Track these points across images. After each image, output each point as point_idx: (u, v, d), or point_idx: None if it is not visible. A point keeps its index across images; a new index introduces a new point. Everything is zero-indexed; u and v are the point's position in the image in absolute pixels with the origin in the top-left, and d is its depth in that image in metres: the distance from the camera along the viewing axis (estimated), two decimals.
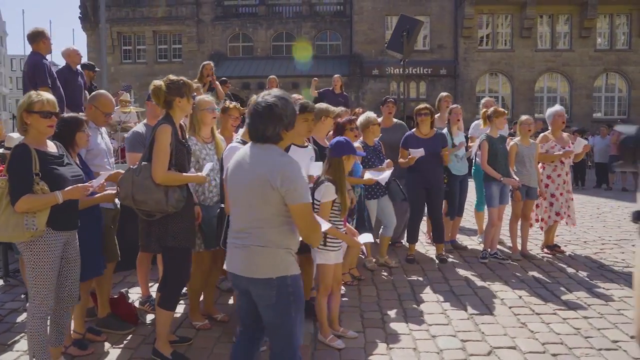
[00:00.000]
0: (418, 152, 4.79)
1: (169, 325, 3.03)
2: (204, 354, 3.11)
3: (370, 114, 4.79)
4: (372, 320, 3.65)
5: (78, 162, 2.96)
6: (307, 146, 3.60)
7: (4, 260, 4.53)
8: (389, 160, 4.58)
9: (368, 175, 4.21)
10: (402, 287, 4.41)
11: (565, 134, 5.54)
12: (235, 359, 2.28)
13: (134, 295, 4.12)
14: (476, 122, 6.12)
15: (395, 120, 5.57)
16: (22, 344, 3.17)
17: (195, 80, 5.81)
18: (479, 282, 4.52)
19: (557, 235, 5.88)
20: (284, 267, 2.06)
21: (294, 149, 3.48)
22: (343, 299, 3.92)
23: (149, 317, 3.63)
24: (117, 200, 3.24)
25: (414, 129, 5.17)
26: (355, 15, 23.68)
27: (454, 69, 23.43)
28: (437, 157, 5.01)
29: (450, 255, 5.37)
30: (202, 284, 3.54)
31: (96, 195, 2.89)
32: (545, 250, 5.59)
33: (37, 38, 4.93)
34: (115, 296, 3.63)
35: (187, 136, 3.18)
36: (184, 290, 3.84)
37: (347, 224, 3.44)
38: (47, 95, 2.60)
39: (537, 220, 5.56)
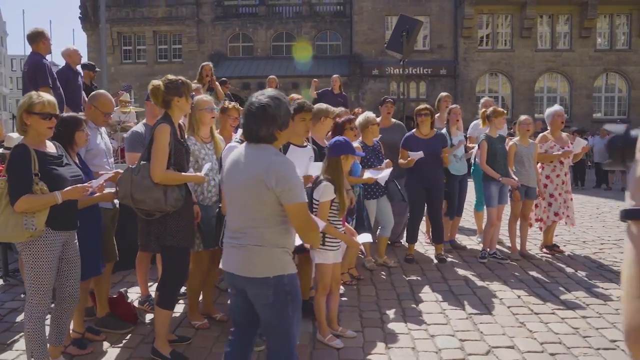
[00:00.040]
0: (417, 155, 4.80)
1: (167, 325, 3.04)
2: (202, 353, 3.12)
3: (369, 114, 4.79)
4: (370, 320, 3.66)
5: (77, 161, 2.97)
6: (306, 146, 3.60)
7: (3, 260, 4.54)
8: (388, 160, 4.59)
9: (367, 174, 4.22)
10: (401, 286, 4.41)
11: (564, 134, 5.54)
12: (229, 359, 2.28)
13: (134, 294, 4.13)
14: (475, 122, 6.13)
15: (393, 120, 5.57)
16: (22, 343, 3.17)
17: (195, 81, 5.82)
18: (478, 282, 4.53)
19: (556, 235, 5.88)
20: (280, 266, 2.07)
21: (293, 149, 3.49)
22: (342, 298, 3.93)
23: (148, 317, 3.64)
24: (116, 200, 3.25)
25: (414, 130, 5.17)
26: (355, 16, 23.69)
27: (454, 69, 23.44)
28: (438, 158, 5.02)
29: (450, 255, 5.38)
30: (201, 283, 3.54)
31: (95, 195, 2.90)
32: (544, 250, 5.60)
33: (37, 38, 4.94)
34: (115, 296, 3.64)
35: (185, 136, 3.19)
36: (183, 289, 3.86)
37: (346, 223, 3.45)
38: (48, 97, 2.61)
39: (536, 221, 5.56)
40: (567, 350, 3.16)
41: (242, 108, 4.46)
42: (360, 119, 4.74)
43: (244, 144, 2.19)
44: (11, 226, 2.46)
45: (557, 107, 5.53)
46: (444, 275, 4.75)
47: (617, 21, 23.48)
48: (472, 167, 5.90)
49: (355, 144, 4.05)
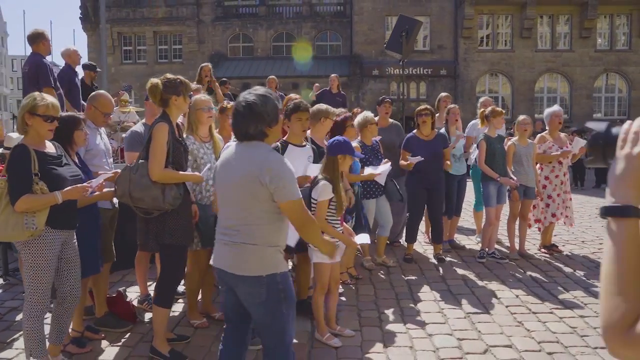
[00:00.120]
0: (416, 159, 4.82)
1: (165, 323, 3.05)
2: (201, 352, 3.13)
3: (368, 114, 4.81)
4: (369, 319, 3.67)
5: (77, 161, 2.99)
6: (305, 145, 3.62)
7: (3, 259, 4.55)
8: (386, 160, 4.60)
9: (368, 170, 4.24)
10: (400, 286, 4.43)
11: (562, 134, 5.55)
12: (224, 356, 2.29)
13: (133, 294, 4.14)
14: (473, 122, 6.14)
15: (391, 120, 5.58)
16: (21, 342, 3.18)
17: (194, 82, 5.84)
18: (476, 282, 4.54)
19: (555, 235, 5.89)
20: (273, 264, 2.08)
21: (292, 148, 3.51)
22: (340, 297, 3.94)
23: (147, 316, 3.65)
24: (115, 200, 3.27)
25: (415, 131, 5.18)
26: (356, 16, 23.70)
27: (454, 69, 23.45)
28: (439, 158, 5.03)
29: (448, 255, 5.39)
30: (199, 282, 3.56)
31: (95, 194, 2.91)
32: (543, 250, 5.61)
33: (38, 39, 4.96)
34: (113, 295, 3.66)
35: (184, 135, 3.20)
36: (183, 289, 3.87)
37: (345, 223, 3.46)
38: (51, 99, 2.63)
39: (535, 222, 5.57)
40: (564, 350, 3.17)
41: None
42: (358, 118, 4.75)
43: (235, 142, 2.21)
44: (11, 225, 2.48)
45: (555, 108, 5.54)
46: (443, 274, 4.77)
47: (617, 21, 23.48)
48: (471, 168, 5.91)
49: (354, 143, 4.06)
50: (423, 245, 5.86)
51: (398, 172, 5.11)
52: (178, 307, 3.86)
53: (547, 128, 5.55)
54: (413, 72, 22.38)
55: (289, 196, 2.02)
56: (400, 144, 5.39)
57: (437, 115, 5.55)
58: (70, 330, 3.11)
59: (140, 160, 2.83)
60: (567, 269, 4.95)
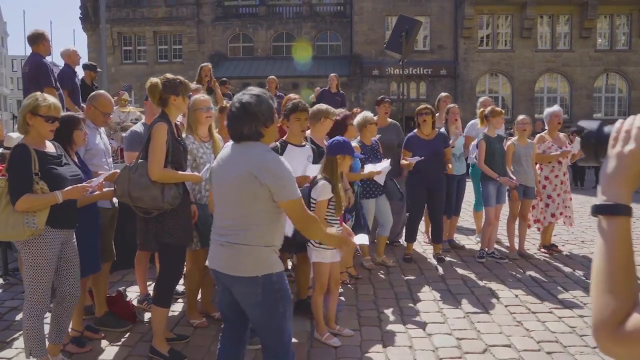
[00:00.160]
0: (415, 159, 4.83)
1: (164, 323, 3.05)
2: (201, 351, 3.14)
3: (367, 114, 4.81)
4: (368, 319, 3.67)
5: (76, 160, 2.99)
6: (304, 145, 3.62)
7: (3, 259, 4.56)
8: (386, 159, 4.61)
9: (368, 168, 4.25)
10: (399, 286, 4.43)
11: (561, 134, 5.56)
12: (222, 355, 2.30)
13: (133, 293, 4.15)
14: (472, 121, 6.15)
15: (390, 120, 5.59)
16: (21, 341, 3.18)
17: (194, 82, 5.85)
18: (475, 282, 4.54)
19: (555, 235, 5.90)
20: (269, 265, 2.08)
21: (291, 148, 3.52)
22: (340, 297, 3.94)
23: (147, 315, 3.65)
24: (115, 200, 3.27)
25: (415, 130, 5.18)
26: (356, 16, 23.71)
27: (454, 69, 23.45)
28: (439, 158, 5.03)
29: (448, 255, 5.39)
30: (199, 282, 3.56)
31: (95, 193, 2.92)
32: (543, 250, 5.61)
33: (38, 40, 4.98)
34: (113, 294, 3.66)
35: (183, 135, 3.21)
36: (182, 289, 3.88)
37: (344, 223, 3.46)
38: (53, 100, 2.64)
39: (534, 222, 5.57)
40: (563, 349, 3.18)
41: None
42: (358, 118, 4.75)
43: (231, 142, 2.21)
44: (11, 225, 2.49)
45: (555, 108, 5.54)
46: (442, 274, 4.77)
47: (617, 21, 23.48)
48: (470, 167, 5.91)
49: (354, 143, 4.07)
50: (422, 245, 5.86)
51: (396, 171, 5.11)
52: (177, 307, 3.87)
53: (546, 128, 5.55)
54: (413, 72, 22.39)
55: (289, 196, 2.03)
56: (399, 143, 5.40)
57: (437, 115, 5.55)
58: (70, 329, 3.12)
59: (140, 160, 2.84)
60: (567, 269, 4.95)
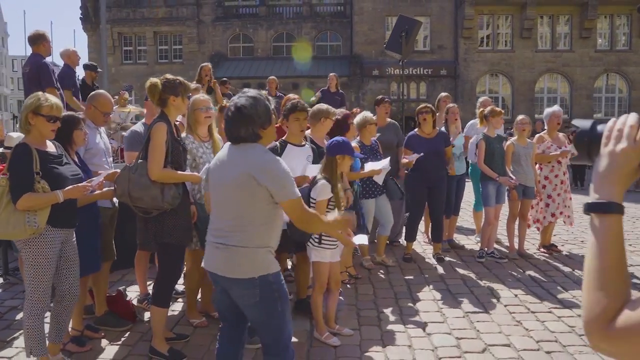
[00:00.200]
0: (415, 157, 4.83)
1: (164, 323, 3.06)
2: (200, 350, 3.14)
3: (367, 114, 4.82)
4: (368, 318, 3.68)
5: (76, 160, 3.00)
6: (304, 145, 3.63)
7: (3, 259, 4.57)
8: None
9: (368, 166, 4.26)
10: (399, 285, 4.43)
11: (560, 134, 5.56)
12: (221, 354, 2.30)
13: (132, 293, 4.15)
14: (472, 121, 6.16)
15: (388, 119, 5.60)
16: (21, 341, 3.19)
17: (194, 82, 5.86)
18: (475, 281, 4.55)
19: (554, 235, 5.90)
20: (265, 266, 2.09)
21: (290, 148, 3.52)
22: (339, 297, 3.94)
23: (147, 315, 3.66)
24: (115, 199, 3.28)
25: (416, 129, 5.19)
26: (356, 16, 23.72)
27: (454, 69, 23.46)
28: (440, 157, 5.03)
29: (447, 255, 5.39)
30: (198, 282, 3.57)
31: (95, 192, 2.93)
32: (542, 249, 5.62)
33: (38, 40, 5.00)
34: (113, 294, 3.67)
35: (183, 134, 3.22)
36: (182, 288, 3.88)
37: None
38: (55, 100, 2.65)
39: (534, 222, 5.57)
40: (562, 349, 3.18)
41: None
42: (357, 118, 4.76)
43: (228, 143, 2.21)
44: (12, 224, 2.50)
45: (555, 108, 5.55)
46: (442, 274, 4.77)
47: (617, 22, 23.49)
48: (470, 167, 5.92)
49: (353, 143, 4.07)
50: (422, 245, 5.87)
51: (395, 171, 5.12)
52: (177, 307, 3.87)
53: (545, 128, 5.56)
54: (413, 72, 22.40)
55: (288, 196, 2.04)
56: (398, 143, 5.41)
57: (437, 114, 5.56)
58: (70, 329, 3.13)
59: (140, 160, 2.85)
60: (566, 269, 4.95)
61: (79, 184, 2.63)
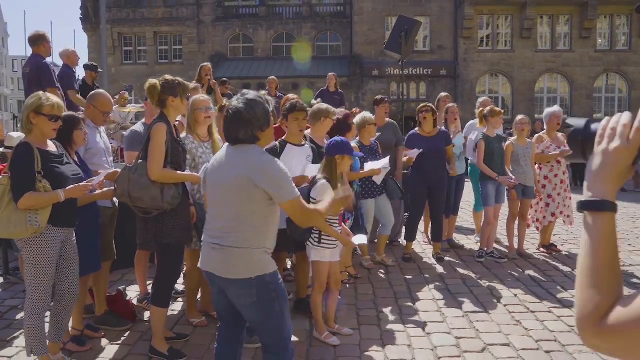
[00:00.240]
0: (414, 153, 4.84)
1: (163, 323, 3.07)
2: (200, 350, 3.15)
3: (367, 115, 4.82)
4: (368, 318, 3.68)
5: (77, 160, 3.01)
6: (304, 145, 3.63)
7: (4, 258, 4.57)
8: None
9: (368, 166, 4.26)
10: (399, 285, 4.44)
11: (560, 134, 5.57)
12: (220, 354, 2.31)
13: (132, 292, 4.16)
14: (471, 122, 6.17)
15: (387, 119, 5.60)
16: (22, 340, 3.21)
17: (194, 82, 5.87)
18: (475, 281, 4.55)
19: (554, 235, 5.90)
20: (261, 266, 2.09)
21: (290, 148, 3.53)
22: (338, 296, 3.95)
23: (147, 314, 3.67)
24: (115, 199, 3.29)
25: (417, 128, 5.21)
26: (356, 16, 23.73)
27: (454, 69, 23.47)
28: (441, 156, 5.04)
29: (447, 255, 5.40)
30: (198, 281, 3.57)
31: (95, 192, 2.93)
32: (542, 249, 5.62)
33: (39, 41, 5.02)
34: (113, 294, 3.68)
35: (183, 135, 3.22)
36: (182, 288, 3.89)
37: (343, 223, 3.47)
38: (56, 99, 2.67)
39: (534, 221, 5.57)
40: (562, 348, 3.19)
41: None
42: (357, 119, 4.76)
43: (226, 144, 2.22)
44: (14, 222, 2.51)
45: (555, 108, 5.57)
46: (442, 274, 4.78)
47: (617, 22, 23.49)
48: (469, 168, 5.92)
49: (353, 143, 4.08)
50: (422, 245, 5.87)
51: (394, 171, 5.13)
52: (177, 306, 3.88)
53: (544, 128, 5.57)
54: (413, 73, 22.40)
55: (287, 196, 2.05)
56: (397, 142, 5.42)
57: (437, 114, 5.57)
58: (70, 328, 3.14)
59: (139, 161, 2.86)
60: (566, 268, 4.96)
61: (80, 184, 2.64)
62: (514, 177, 5.09)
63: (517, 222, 5.39)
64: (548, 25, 23.59)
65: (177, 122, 3.29)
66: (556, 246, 5.65)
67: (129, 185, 2.79)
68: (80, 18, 25.25)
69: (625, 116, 0.80)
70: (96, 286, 3.45)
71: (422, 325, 3.55)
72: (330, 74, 7.98)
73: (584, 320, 0.75)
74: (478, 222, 6.12)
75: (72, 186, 2.60)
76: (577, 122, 0.86)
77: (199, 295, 3.74)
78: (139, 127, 3.91)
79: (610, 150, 0.79)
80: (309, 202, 3.08)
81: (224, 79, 8.53)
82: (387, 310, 3.83)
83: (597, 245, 0.77)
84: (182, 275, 3.54)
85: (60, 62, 6.08)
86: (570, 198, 5.57)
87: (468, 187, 6.12)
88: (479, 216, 6.07)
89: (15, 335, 3.35)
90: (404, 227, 5.72)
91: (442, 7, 23.40)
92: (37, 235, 2.56)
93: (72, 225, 2.76)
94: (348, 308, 3.88)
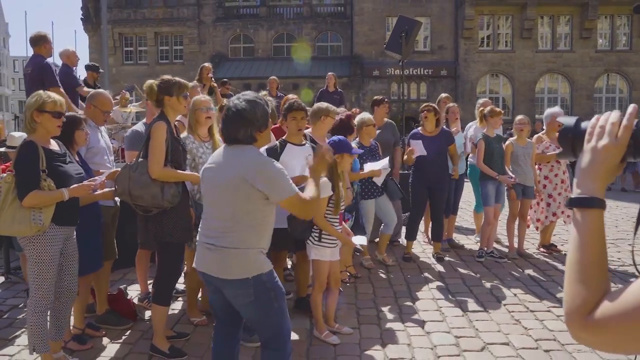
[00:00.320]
0: (416, 144, 4.84)
1: (164, 321, 3.08)
2: (201, 349, 3.16)
3: (366, 115, 4.83)
4: (367, 317, 3.69)
5: (78, 159, 3.03)
6: (304, 144, 3.65)
7: (5, 258, 4.59)
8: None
9: (368, 167, 4.27)
10: (398, 284, 4.45)
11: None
12: (217, 352, 2.32)
13: (133, 292, 4.17)
14: (470, 123, 6.19)
15: (385, 119, 5.61)
16: (23, 339, 3.23)
17: (194, 81, 5.88)
18: (474, 281, 4.56)
19: (554, 235, 5.91)
20: (257, 266, 2.10)
21: (290, 147, 3.54)
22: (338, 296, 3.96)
23: (147, 314, 3.68)
24: (117, 198, 3.30)
25: (419, 128, 5.22)
26: (356, 17, 23.75)
27: (455, 69, 23.47)
28: (442, 156, 5.05)
29: (447, 254, 5.41)
30: (199, 281, 3.57)
31: (96, 192, 2.95)
32: (542, 249, 5.63)
33: (40, 42, 5.04)
34: (114, 293, 3.69)
35: (184, 134, 3.24)
36: (183, 287, 3.90)
37: (344, 223, 3.48)
38: (57, 96, 2.69)
39: (535, 221, 5.57)
40: (561, 347, 3.20)
41: None
42: (356, 120, 4.77)
43: (223, 145, 2.22)
44: (18, 220, 2.52)
45: (556, 109, 5.58)
46: (441, 273, 4.79)
47: (617, 22, 23.50)
48: (469, 168, 5.93)
49: (353, 144, 4.09)
50: (422, 245, 5.88)
51: (392, 171, 5.14)
52: (178, 305, 3.89)
53: (544, 128, 5.58)
54: (414, 73, 22.41)
55: (286, 194, 2.07)
56: (395, 142, 5.44)
57: (439, 114, 5.57)
58: (71, 327, 3.15)
59: (140, 159, 2.87)
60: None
61: (84, 183, 2.66)
62: (513, 176, 5.11)
63: (517, 222, 5.40)
64: (548, 25, 23.59)
65: (178, 122, 3.31)
66: (556, 246, 5.65)
67: (129, 184, 2.80)
68: (81, 18, 25.30)
69: (614, 114, 0.81)
70: (97, 285, 3.46)
71: (422, 324, 3.56)
72: (329, 73, 7.99)
73: (572, 315, 0.76)
74: (478, 222, 6.13)
75: (75, 185, 2.62)
76: (568, 120, 0.87)
77: (200, 295, 3.75)
78: (139, 126, 3.93)
79: (599, 148, 0.81)
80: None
81: (225, 79, 8.55)
82: (386, 310, 3.84)
83: (586, 241, 0.78)
84: (182, 274, 3.55)
85: (60, 62, 6.10)
86: None
87: (468, 187, 6.12)
88: (479, 217, 6.08)
89: (16, 334, 3.36)
90: (403, 227, 5.73)
91: (442, 7, 23.42)
92: (40, 234, 2.58)
93: (74, 224, 2.78)
94: (348, 307, 3.89)
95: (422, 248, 5.75)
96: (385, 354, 3.12)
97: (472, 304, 3.94)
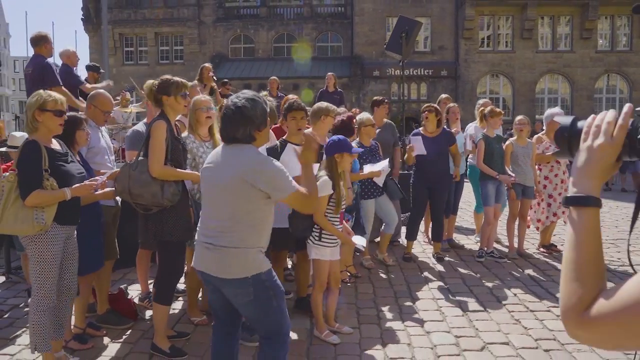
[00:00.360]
0: (416, 140, 4.85)
1: (165, 320, 3.09)
2: (201, 348, 3.17)
3: (366, 116, 4.84)
4: (368, 317, 3.70)
5: (79, 159, 3.04)
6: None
7: (6, 258, 4.60)
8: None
9: (367, 168, 4.28)
10: (399, 284, 4.46)
11: None
12: (216, 351, 2.33)
13: (134, 291, 4.18)
14: (470, 124, 6.20)
15: (385, 120, 5.62)
16: (24, 338, 3.23)
17: (194, 81, 5.89)
18: (474, 280, 4.57)
19: (554, 235, 5.91)
20: (256, 265, 2.11)
21: (290, 147, 3.55)
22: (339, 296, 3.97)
23: (148, 313, 3.69)
24: (118, 198, 3.31)
25: (420, 128, 5.23)
26: (356, 17, 23.77)
27: (455, 70, 23.48)
28: (443, 156, 5.06)
29: (447, 254, 5.41)
30: (199, 280, 3.58)
31: (97, 192, 2.96)
32: (542, 249, 5.64)
33: (40, 42, 5.05)
34: (115, 292, 3.70)
35: (182, 134, 3.25)
36: (183, 287, 3.91)
37: (344, 222, 3.49)
38: (58, 95, 2.70)
39: (536, 221, 5.58)
40: (561, 347, 3.20)
41: None
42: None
43: (221, 144, 2.23)
44: (20, 219, 2.53)
45: (556, 109, 5.59)
46: (441, 273, 4.79)
47: (618, 22, 23.50)
48: (468, 169, 5.94)
49: (353, 144, 4.09)
50: (422, 245, 5.89)
51: (392, 171, 5.16)
52: (178, 305, 3.90)
53: (544, 128, 5.58)
54: (414, 73, 22.42)
55: (286, 191, 2.07)
56: (394, 142, 5.45)
57: (440, 115, 5.58)
58: (72, 326, 3.15)
59: (140, 158, 2.88)
60: None
61: (86, 182, 2.67)
62: (513, 175, 5.11)
63: (517, 222, 5.40)
64: (549, 25, 23.60)
65: (179, 122, 3.31)
66: (556, 246, 5.66)
67: (129, 182, 2.81)
68: (82, 19, 25.32)
69: (610, 114, 0.82)
70: (98, 285, 3.47)
71: (422, 324, 3.57)
72: (329, 74, 8.00)
73: (567, 312, 0.77)
74: (478, 222, 6.13)
75: (78, 185, 2.63)
76: (564, 120, 0.88)
77: (200, 294, 3.76)
78: (140, 126, 3.94)
79: (594, 147, 0.81)
80: None
81: (225, 79, 8.56)
82: (387, 309, 3.84)
83: (582, 239, 0.79)
84: (183, 274, 3.56)
85: (60, 62, 6.11)
86: None
87: (468, 187, 6.13)
88: (479, 217, 6.08)
89: (17, 333, 3.37)
90: (403, 227, 5.73)
91: (442, 7, 23.43)
92: (42, 233, 2.58)
93: (75, 223, 2.79)
94: (348, 307, 3.90)
95: (422, 248, 5.76)
96: (386, 353, 3.12)
97: (472, 304, 3.95)
